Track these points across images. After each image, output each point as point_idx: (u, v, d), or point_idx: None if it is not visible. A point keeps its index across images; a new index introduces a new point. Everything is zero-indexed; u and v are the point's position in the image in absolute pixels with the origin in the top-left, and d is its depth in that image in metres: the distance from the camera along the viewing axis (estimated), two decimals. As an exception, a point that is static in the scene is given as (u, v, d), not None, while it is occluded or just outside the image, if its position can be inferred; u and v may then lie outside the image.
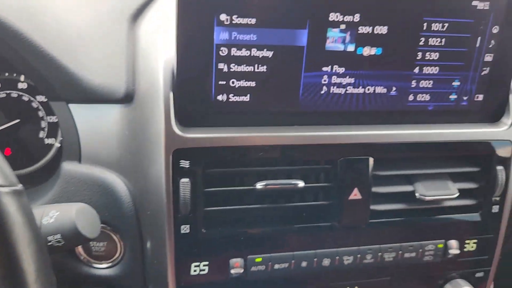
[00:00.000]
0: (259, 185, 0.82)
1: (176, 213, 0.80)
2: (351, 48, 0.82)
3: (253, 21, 0.76)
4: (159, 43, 0.82)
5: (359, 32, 0.81)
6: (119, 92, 0.83)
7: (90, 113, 0.86)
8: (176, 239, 0.81)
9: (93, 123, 0.86)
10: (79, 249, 0.89)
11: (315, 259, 0.88)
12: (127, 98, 0.84)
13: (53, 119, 0.99)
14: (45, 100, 0.98)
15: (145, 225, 0.85)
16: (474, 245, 0.97)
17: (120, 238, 0.89)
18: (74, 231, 0.67)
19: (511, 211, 1.02)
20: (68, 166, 0.87)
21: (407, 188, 0.91)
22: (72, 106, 0.86)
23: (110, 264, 0.91)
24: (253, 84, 0.80)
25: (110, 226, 0.88)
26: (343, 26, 0.80)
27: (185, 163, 0.78)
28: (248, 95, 0.81)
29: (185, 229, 0.81)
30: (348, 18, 0.80)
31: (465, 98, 0.91)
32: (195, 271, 0.84)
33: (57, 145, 1.00)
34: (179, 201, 0.79)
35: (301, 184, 0.83)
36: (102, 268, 0.91)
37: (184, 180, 0.79)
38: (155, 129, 0.79)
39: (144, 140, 0.81)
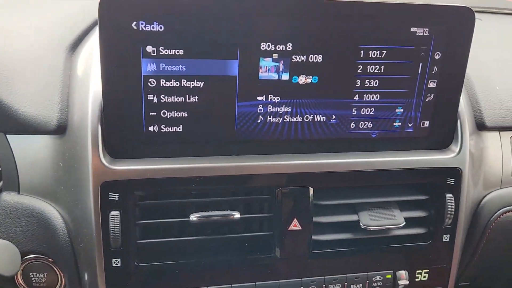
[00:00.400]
0: (193, 217, 0.80)
1: (107, 246, 0.79)
2: (285, 77, 0.81)
3: (181, 52, 0.76)
4: (92, 74, 0.81)
5: (293, 61, 0.80)
6: (51, 123, 0.83)
7: (27, 144, 0.85)
8: (107, 272, 0.80)
9: (31, 154, 0.85)
10: (19, 279, 0.88)
11: None
12: (60, 130, 0.83)
13: None
14: None
15: (80, 257, 0.84)
16: (426, 275, 0.95)
17: (59, 269, 0.88)
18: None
19: (466, 240, 1.01)
20: (7, 197, 0.86)
21: (351, 217, 0.89)
22: (10, 137, 0.85)
23: None
24: (185, 114, 0.79)
25: (49, 257, 0.87)
26: (275, 56, 0.79)
27: (114, 196, 0.78)
28: (181, 125, 0.80)
29: (116, 262, 0.80)
30: (280, 48, 0.79)
31: (410, 125, 0.90)
32: None
33: None
34: (109, 234, 0.78)
35: (237, 215, 0.82)
36: None
37: (114, 212, 0.78)
38: (85, 162, 0.78)
39: (76, 172, 0.81)
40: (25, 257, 0.87)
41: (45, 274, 0.89)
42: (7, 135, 0.86)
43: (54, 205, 0.86)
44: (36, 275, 0.89)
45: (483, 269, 1.11)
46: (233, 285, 0.85)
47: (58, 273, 0.89)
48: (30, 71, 0.86)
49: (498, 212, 1.00)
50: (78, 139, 0.80)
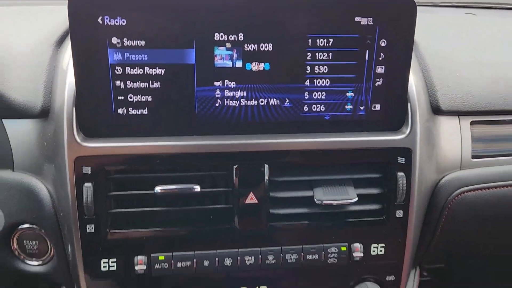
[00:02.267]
0: (158, 189, 0.90)
1: (82, 215, 0.90)
2: (239, 64, 0.90)
3: (143, 43, 0.86)
4: (71, 66, 0.93)
5: (245, 49, 0.89)
6: (36, 108, 0.95)
7: (19, 128, 0.98)
8: (82, 237, 0.91)
9: (22, 136, 0.98)
10: (15, 245, 1.01)
11: (217, 259, 0.95)
12: (43, 114, 0.95)
13: None
14: None
15: (62, 225, 0.96)
16: (382, 249, 1.01)
17: (48, 238, 1.00)
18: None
19: (426, 219, 1.06)
20: (3, 174, 0.99)
21: (307, 193, 0.97)
22: (5, 122, 0.98)
23: (41, 262, 1.02)
24: (149, 98, 0.90)
25: (38, 227, 0.99)
26: (228, 45, 0.89)
27: (86, 169, 0.89)
28: (146, 108, 0.90)
29: (90, 228, 0.91)
30: (232, 37, 0.88)
31: (362, 108, 0.97)
32: (104, 267, 0.94)
33: None
34: (83, 204, 0.89)
35: (197, 188, 0.91)
36: (35, 265, 1.02)
37: (87, 184, 0.89)
38: (63, 140, 0.90)
39: (57, 150, 0.92)
40: (19, 226, 0.99)
41: (37, 242, 1.01)
42: (2, 120, 0.99)
43: (42, 180, 0.97)
44: (29, 242, 1.01)
45: (447, 250, 1.16)
46: (196, 252, 0.94)
47: (47, 241, 1.01)
48: (21, 66, 0.99)
49: (456, 191, 1.05)
50: (58, 121, 0.92)
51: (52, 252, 1.02)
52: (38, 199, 0.97)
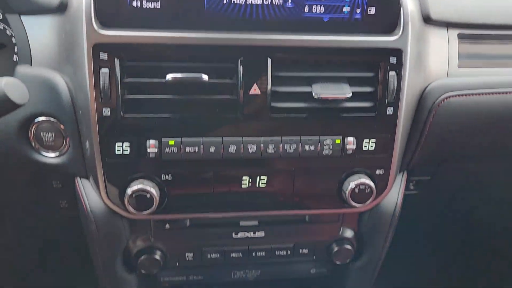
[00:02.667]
0: (169, 77, 0.98)
1: (98, 99, 0.97)
2: (246, -37, 0.97)
3: None
4: None
5: None
6: (54, 2, 1.02)
7: (37, 23, 1.04)
8: (99, 120, 0.99)
9: (40, 31, 1.04)
10: (31, 137, 1.08)
11: (222, 145, 1.03)
12: (61, 8, 1.02)
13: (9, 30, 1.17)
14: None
15: (79, 115, 1.03)
16: (373, 144, 1.10)
17: (64, 129, 1.07)
18: (3, 98, 0.86)
19: (413, 122, 1.15)
20: (22, 69, 1.05)
21: (305, 89, 1.05)
22: (23, 18, 1.04)
23: (58, 154, 1.10)
24: None
25: (55, 118, 1.06)
26: None
27: (103, 55, 0.96)
28: (159, 2, 0.97)
29: (106, 111, 0.98)
30: None
31: (358, 11, 1.04)
32: (119, 150, 1.02)
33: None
34: (100, 88, 0.97)
35: (205, 77, 0.99)
36: (51, 157, 1.10)
37: (104, 70, 0.96)
38: (81, 30, 0.96)
39: (75, 42, 0.99)
40: (37, 119, 1.07)
41: (53, 134, 1.09)
42: (21, 16, 1.05)
43: (60, 74, 1.05)
44: (45, 134, 1.09)
45: (433, 157, 1.25)
46: (203, 138, 1.03)
47: (63, 134, 1.09)
48: None
49: (442, 96, 1.14)
50: (76, 14, 0.99)
51: (67, 145, 1.09)
52: (56, 91, 1.04)
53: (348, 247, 1.28)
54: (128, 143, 1.02)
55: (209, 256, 1.26)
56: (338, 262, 1.30)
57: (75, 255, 1.60)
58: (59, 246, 1.59)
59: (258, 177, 1.10)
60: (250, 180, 1.09)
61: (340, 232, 1.28)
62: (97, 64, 0.96)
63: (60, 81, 1.04)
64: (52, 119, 1.07)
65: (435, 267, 2.03)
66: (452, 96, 1.15)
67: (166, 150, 1.02)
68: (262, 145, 1.05)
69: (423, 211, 1.59)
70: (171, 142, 1.02)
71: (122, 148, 1.02)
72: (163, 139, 1.02)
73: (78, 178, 1.13)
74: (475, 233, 1.84)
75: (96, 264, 1.21)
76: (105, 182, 1.04)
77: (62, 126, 1.07)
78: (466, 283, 2.01)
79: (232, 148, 1.04)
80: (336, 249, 1.27)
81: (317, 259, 1.33)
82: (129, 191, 1.03)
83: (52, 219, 1.32)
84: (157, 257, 1.21)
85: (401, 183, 1.25)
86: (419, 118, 1.15)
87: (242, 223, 1.23)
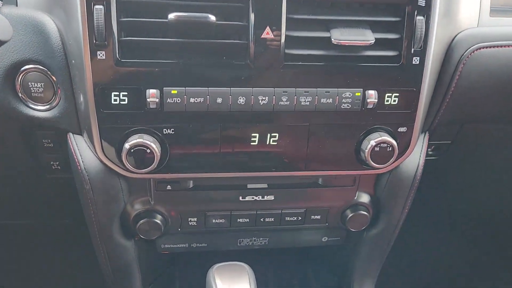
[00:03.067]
0: (171, 16, 0.87)
1: (92, 40, 0.86)
2: None
3: None
4: None
5: None
6: None
7: None
8: (93, 64, 0.88)
9: None
10: (18, 87, 0.97)
11: (230, 97, 0.93)
12: None
13: None
14: None
15: (70, 60, 0.93)
16: (396, 99, 1.00)
17: (54, 78, 0.97)
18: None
19: (440, 74, 1.04)
20: (6, 10, 0.94)
21: (323, 34, 0.94)
22: None
23: (47, 106, 0.99)
24: None
25: (44, 67, 0.95)
26: None
27: None
28: None
29: (101, 55, 0.87)
30: None
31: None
32: (115, 100, 0.91)
33: None
34: (94, 28, 0.86)
35: (212, 18, 0.88)
36: (40, 110, 0.99)
37: (98, 6, 0.85)
38: None
39: None
40: (24, 67, 0.96)
41: (42, 84, 0.98)
42: None
43: (48, 15, 0.93)
44: (34, 84, 0.98)
45: (457, 117, 1.15)
46: (209, 88, 0.92)
47: (53, 85, 0.98)
48: None
49: (472, 47, 1.03)
50: None
51: (58, 96, 0.99)
52: (44, 34, 0.93)
53: (364, 213, 1.18)
54: (126, 92, 0.91)
55: (213, 221, 1.16)
56: (352, 229, 1.21)
57: (69, 223, 1.51)
58: (52, 213, 1.50)
59: (268, 134, 0.99)
60: (260, 137, 0.99)
61: (356, 196, 1.19)
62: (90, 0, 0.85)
63: (49, 23, 0.93)
64: (40, 67, 0.96)
65: (450, 239, 1.95)
66: (483, 48, 1.04)
67: (168, 100, 0.92)
68: (274, 97, 0.95)
69: (441, 178, 1.49)
70: (174, 92, 0.91)
71: (119, 97, 0.91)
72: (165, 89, 0.91)
73: (71, 134, 1.03)
74: (496, 207, 1.75)
75: (91, 229, 1.12)
76: (100, 136, 0.94)
77: (53, 77, 0.96)
78: (485, 259, 1.93)
79: (241, 100, 0.94)
80: (350, 215, 1.18)
81: (330, 226, 1.23)
82: (127, 145, 0.93)
83: (43, 182, 1.22)
84: (158, 221, 1.11)
85: (423, 145, 1.15)
86: (446, 71, 1.05)
87: (250, 185, 1.13)
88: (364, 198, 1.19)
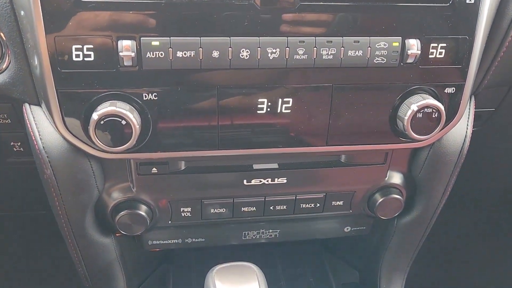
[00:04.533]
0: None
1: None
2: None
3: None
4: None
5: None
6: None
7: None
8: (45, 7, 0.66)
9: None
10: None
11: (230, 49, 0.71)
12: None
13: None
14: None
15: (18, 10, 0.71)
16: (443, 50, 0.78)
17: (3, 36, 0.75)
18: None
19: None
20: None
21: None
22: None
23: None
24: None
25: None
26: None
27: None
28: None
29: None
30: None
31: None
32: (77, 56, 0.69)
33: None
34: None
35: None
36: None
37: None
38: None
39: None
40: None
41: None
42: None
43: None
44: None
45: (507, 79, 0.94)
46: (202, 38, 0.70)
47: (0, 42, 0.76)
48: None
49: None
50: None
51: (8, 58, 0.77)
52: None
53: (397, 196, 0.97)
54: (91, 45, 0.69)
55: (212, 211, 0.95)
56: (382, 217, 1.00)
57: (45, 214, 1.30)
58: (20, 204, 1.28)
59: (280, 99, 0.78)
60: (270, 103, 0.78)
61: (387, 177, 0.97)
62: None
63: None
64: None
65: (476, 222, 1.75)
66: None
67: (148, 55, 0.71)
68: (287, 49, 0.74)
69: (481, 152, 1.28)
70: (155, 43, 0.70)
71: (82, 52, 0.69)
72: (143, 39, 0.70)
73: (27, 105, 0.81)
74: None
75: (60, 224, 0.90)
76: (59, 105, 0.73)
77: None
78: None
79: (245, 53, 0.73)
80: (380, 200, 0.97)
81: (355, 214, 1.02)
82: (95, 116, 0.71)
83: (3, 167, 1.00)
84: (142, 213, 0.90)
85: (470, 111, 0.93)
86: (505, 15, 0.83)
87: (256, 165, 0.93)
88: (397, 178, 0.98)
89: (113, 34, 0.69)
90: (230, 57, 0.72)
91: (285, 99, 0.79)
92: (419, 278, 1.25)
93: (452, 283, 1.79)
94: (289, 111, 0.80)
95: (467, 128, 0.92)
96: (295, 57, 0.74)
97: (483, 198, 1.66)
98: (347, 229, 1.10)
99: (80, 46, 0.69)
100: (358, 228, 1.10)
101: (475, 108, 1.07)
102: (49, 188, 0.83)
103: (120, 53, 0.69)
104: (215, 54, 0.72)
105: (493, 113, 1.12)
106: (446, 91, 0.82)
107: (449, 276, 1.77)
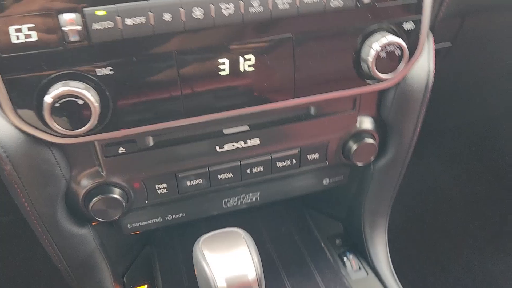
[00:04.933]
0: None
1: None
2: None
3: None
4: None
5: None
6: None
7: None
8: None
9: None
10: None
11: (181, 10, 0.67)
12: None
13: None
14: None
15: None
16: None
17: None
18: None
19: None
20: None
21: None
22: None
23: None
24: None
25: None
26: None
27: None
28: None
29: None
30: None
31: None
32: (18, 37, 0.63)
33: None
34: None
35: None
36: None
37: None
38: None
39: None
40: None
41: None
42: None
43: None
44: None
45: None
46: (150, 0, 0.66)
47: None
48: None
49: None
50: None
51: None
52: None
53: (371, 141, 0.96)
54: (31, 24, 0.63)
55: (188, 183, 0.92)
56: (359, 163, 0.99)
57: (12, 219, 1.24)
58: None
59: (241, 57, 0.75)
60: (231, 62, 0.75)
61: (358, 123, 0.96)
62: None
63: None
64: None
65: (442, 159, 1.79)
66: None
67: (95, 26, 0.65)
68: (241, 3, 0.69)
69: (445, 88, 1.29)
70: (101, 13, 0.65)
71: (22, 33, 0.64)
72: (86, 10, 0.64)
73: None
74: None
75: (31, 222, 0.85)
76: (8, 92, 0.67)
77: None
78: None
79: (198, 12, 0.68)
80: (355, 146, 0.96)
81: (331, 165, 1.01)
82: (48, 99, 0.66)
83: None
84: (116, 196, 0.86)
85: (430, 45, 0.92)
86: None
87: (226, 130, 0.89)
88: (368, 123, 0.97)
89: (53, 7, 0.63)
90: (183, 19, 0.67)
91: (246, 57, 0.75)
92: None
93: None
94: (252, 68, 0.76)
95: (429, 63, 0.91)
96: (250, 10, 0.70)
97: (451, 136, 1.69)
98: (326, 181, 1.09)
99: (19, 27, 0.63)
100: (336, 179, 1.09)
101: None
102: (12, 185, 0.78)
103: (64, 28, 0.64)
104: (167, 17, 0.67)
105: (450, 48, 1.12)
106: (404, 26, 0.81)
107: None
